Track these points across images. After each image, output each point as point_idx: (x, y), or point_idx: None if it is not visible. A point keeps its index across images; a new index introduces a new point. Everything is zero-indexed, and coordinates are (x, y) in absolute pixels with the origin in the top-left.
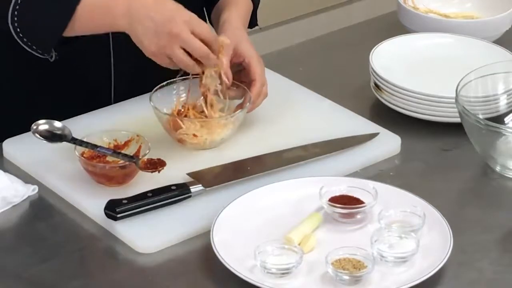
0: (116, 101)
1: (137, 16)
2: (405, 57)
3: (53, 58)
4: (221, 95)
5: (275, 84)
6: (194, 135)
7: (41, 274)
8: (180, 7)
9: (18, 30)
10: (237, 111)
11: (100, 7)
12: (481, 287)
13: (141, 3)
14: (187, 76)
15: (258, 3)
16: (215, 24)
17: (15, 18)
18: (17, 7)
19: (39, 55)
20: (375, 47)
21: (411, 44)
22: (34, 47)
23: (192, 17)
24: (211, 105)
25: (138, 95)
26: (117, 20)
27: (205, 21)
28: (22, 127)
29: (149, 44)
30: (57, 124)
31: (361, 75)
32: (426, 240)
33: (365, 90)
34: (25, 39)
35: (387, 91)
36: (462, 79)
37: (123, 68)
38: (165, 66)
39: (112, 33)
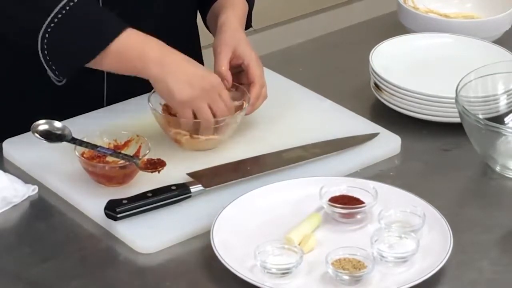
0: (108, 104)
1: (170, 66)
2: (405, 57)
3: (62, 83)
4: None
5: (275, 84)
6: (191, 136)
7: (41, 274)
8: (211, 71)
9: (45, 47)
10: (236, 113)
11: (133, 49)
12: (481, 287)
13: (176, 57)
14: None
15: (253, 5)
16: (212, 26)
17: (47, 35)
18: (52, 24)
19: (53, 76)
20: (375, 47)
21: (411, 44)
22: (53, 67)
23: (220, 82)
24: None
25: (131, 97)
26: (149, 66)
27: (196, 25)
28: (22, 127)
29: (179, 94)
30: (57, 124)
31: (361, 75)
32: (426, 240)
33: (365, 90)
34: (48, 57)
35: (387, 91)
36: (462, 79)
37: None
38: (182, 117)
39: None
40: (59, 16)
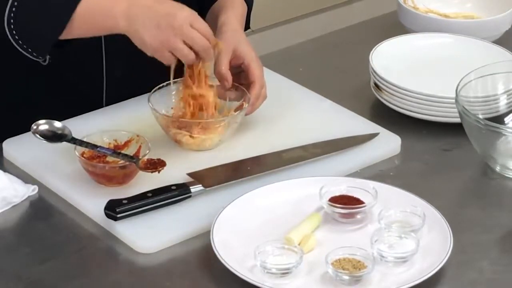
0: (107, 104)
1: (138, 15)
2: (405, 57)
3: (47, 62)
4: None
5: (275, 84)
6: (191, 136)
7: (41, 274)
8: (179, 4)
9: (14, 32)
10: (235, 113)
11: (99, 9)
12: (481, 287)
13: (140, 3)
14: (182, 78)
15: (252, 7)
16: (212, 26)
17: (11, 21)
18: (14, 9)
19: (33, 58)
20: (375, 47)
21: (411, 44)
22: (29, 49)
23: (192, 12)
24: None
25: (130, 98)
26: (117, 21)
27: None
28: (22, 127)
29: (150, 40)
30: (57, 124)
31: (361, 75)
32: (426, 240)
33: (365, 90)
34: (20, 42)
35: (387, 91)
36: (462, 79)
37: (115, 71)
38: (166, 63)
39: (105, 36)
40: None
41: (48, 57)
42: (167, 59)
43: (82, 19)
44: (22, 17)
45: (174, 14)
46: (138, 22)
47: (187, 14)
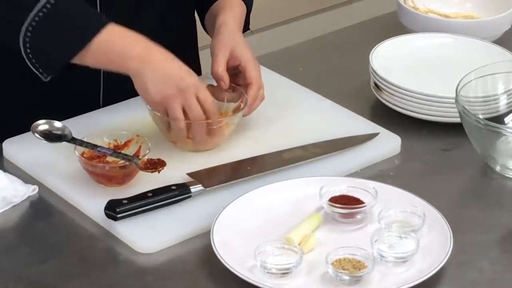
0: (104, 105)
1: (151, 64)
2: (405, 57)
3: (47, 79)
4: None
5: (275, 84)
6: (188, 137)
7: (41, 274)
8: (192, 72)
9: (28, 45)
10: (233, 114)
11: (115, 46)
12: (481, 287)
13: (158, 54)
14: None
15: (251, 8)
16: (210, 27)
17: (28, 34)
18: (33, 23)
19: (38, 74)
20: (375, 47)
21: (411, 44)
22: (37, 65)
23: (201, 84)
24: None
25: (127, 98)
26: (129, 61)
27: (195, 24)
28: (22, 127)
29: (154, 92)
30: (57, 124)
31: (361, 75)
32: (426, 240)
33: (365, 90)
34: (30, 56)
35: (387, 91)
36: (462, 79)
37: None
38: (155, 114)
39: None
40: (41, 14)
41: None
42: (161, 111)
43: (97, 49)
44: (39, 35)
45: (184, 79)
46: (149, 69)
47: (196, 83)
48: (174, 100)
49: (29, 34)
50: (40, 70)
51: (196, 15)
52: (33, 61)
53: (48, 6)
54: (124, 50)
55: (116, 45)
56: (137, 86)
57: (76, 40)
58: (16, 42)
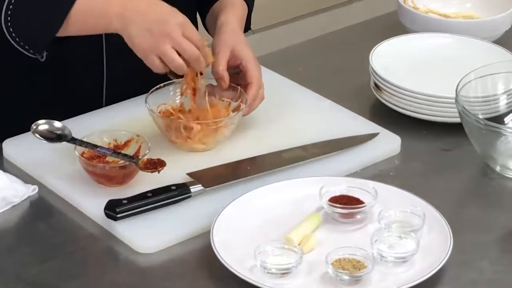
0: (107, 104)
1: (131, 17)
2: (405, 57)
3: (44, 58)
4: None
5: (275, 84)
6: (188, 137)
7: (41, 274)
8: (174, 10)
9: (11, 29)
10: (232, 114)
11: (95, 9)
12: (481, 287)
13: (135, 6)
14: (180, 79)
15: (252, 8)
16: (211, 27)
17: (8, 18)
18: (11, 6)
19: (30, 55)
20: (375, 47)
21: (411, 44)
22: (26, 47)
23: (185, 20)
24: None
25: (130, 98)
26: (111, 22)
27: (197, 24)
28: (22, 127)
29: (140, 43)
30: (57, 124)
31: (361, 75)
32: (426, 240)
33: (365, 90)
34: (17, 39)
35: (387, 91)
36: (462, 79)
37: (115, 72)
38: (155, 70)
39: (106, 35)
40: None
41: (45, 53)
42: (156, 65)
43: (77, 18)
44: (19, 15)
45: (166, 20)
46: (131, 25)
47: (180, 21)
48: (164, 45)
49: (9, 13)
50: (27, 48)
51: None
52: (17, 39)
53: None
54: (103, 10)
55: (94, 9)
56: (127, 41)
57: (55, 12)
58: (2, 31)
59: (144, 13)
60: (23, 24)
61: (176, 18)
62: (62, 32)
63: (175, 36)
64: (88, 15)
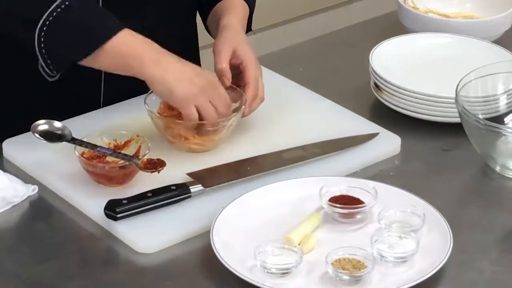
0: (106, 105)
1: (167, 66)
2: (405, 57)
3: (54, 79)
4: None
5: (275, 84)
6: (186, 138)
7: (41, 274)
8: (204, 69)
9: (42, 40)
10: (232, 115)
11: (130, 48)
12: (481, 287)
13: (170, 58)
14: None
15: (253, 9)
16: (213, 28)
17: (44, 28)
18: (51, 18)
19: (46, 70)
20: (375, 47)
21: (411, 44)
22: (49, 61)
23: (216, 77)
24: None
25: (128, 98)
26: (144, 64)
27: (195, 27)
28: (22, 127)
29: (182, 90)
30: (57, 124)
31: (361, 75)
32: (426, 240)
33: (365, 90)
34: (44, 50)
35: (387, 91)
36: (462, 79)
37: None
38: (190, 119)
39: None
40: (59, 10)
41: (58, 75)
42: (192, 113)
43: (109, 52)
44: (56, 28)
45: (204, 75)
46: (168, 71)
47: (215, 77)
48: (203, 97)
49: (45, 29)
50: (51, 67)
51: (197, 15)
52: (46, 56)
53: (67, 2)
54: (137, 53)
55: (130, 49)
56: (159, 90)
57: (91, 40)
58: (32, 36)
59: (178, 64)
60: (57, 38)
61: (209, 73)
62: (90, 63)
63: (212, 90)
64: (122, 52)
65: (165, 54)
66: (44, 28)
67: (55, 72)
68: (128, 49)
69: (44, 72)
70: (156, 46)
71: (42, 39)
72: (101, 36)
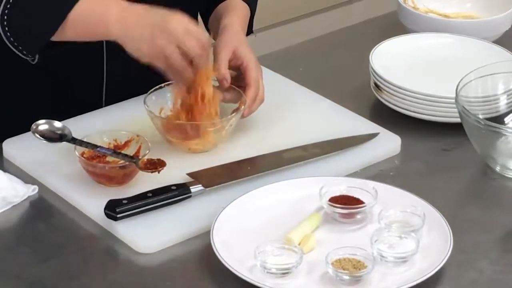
0: (107, 104)
1: (131, 24)
2: (405, 57)
3: (35, 61)
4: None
5: (275, 84)
6: (186, 138)
7: (41, 274)
8: (172, 11)
9: (7, 29)
10: (231, 115)
11: (92, 15)
12: (481, 287)
13: (132, 11)
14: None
15: (255, 11)
16: (214, 29)
17: (5, 17)
18: (8, 5)
19: (23, 56)
20: (375, 47)
21: (411, 44)
22: (20, 48)
23: (185, 18)
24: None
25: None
26: (109, 29)
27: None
28: (22, 127)
29: (147, 49)
30: (57, 124)
31: (361, 75)
32: (426, 240)
33: (365, 90)
34: (12, 39)
35: (387, 91)
36: (462, 79)
37: (115, 72)
38: (163, 71)
39: None
40: None
41: (37, 56)
42: (164, 67)
43: (74, 23)
44: (16, 15)
45: (168, 21)
46: (132, 31)
47: (181, 19)
48: (170, 46)
49: (7, 11)
50: (20, 49)
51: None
52: (15, 43)
53: None
54: (101, 17)
55: (93, 13)
56: (128, 49)
57: (54, 14)
58: None
59: (142, 16)
60: (19, 25)
61: (177, 17)
62: (59, 37)
63: (180, 36)
64: (85, 20)
65: (128, 8)
66: (5, 17)
67: (31, 56)
68: (92, 13)
69: (22, 55)
70: (119, 2)
71: (6, 28)
72: (64, 6)
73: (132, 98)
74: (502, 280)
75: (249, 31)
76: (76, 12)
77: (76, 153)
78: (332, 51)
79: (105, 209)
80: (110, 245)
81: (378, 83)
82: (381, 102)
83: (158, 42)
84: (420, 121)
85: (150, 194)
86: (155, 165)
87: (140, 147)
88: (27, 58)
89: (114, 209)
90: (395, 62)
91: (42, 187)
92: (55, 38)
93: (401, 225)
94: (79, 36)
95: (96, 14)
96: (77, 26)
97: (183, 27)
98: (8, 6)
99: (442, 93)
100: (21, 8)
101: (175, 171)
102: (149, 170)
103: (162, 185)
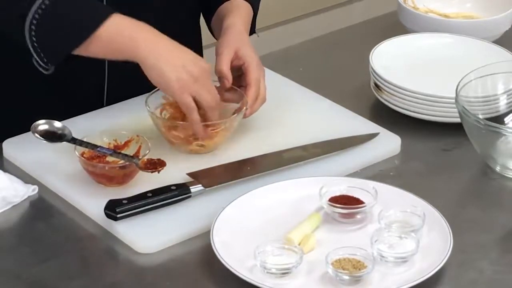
0: (107, 105)
1: (161, 50)
2: (405, 57)
3: (49, 72)
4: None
5: (275, 84)
6: (187, 139)
7: (41, 274)
8: (198, 56)
9: (33, 33)
10: (231, 116)
11: (123, 32)
12: (481, 287)
13: (164, 40)
14: None
15: (257, 11)
16: (217, 29)
17: (34, 21)
18: (40, 11)
19: (40, 65)
20: (375, 47)
21: (411, 44)
22: (42, 54)
23: (209, 67)
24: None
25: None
26: (138, 46)
27: (199, 23)
28: (22, 127)
29: (176, 78)
30: (57, 124)
31: (361, 75)
32: (426, 240)
33: (365, 90)
34: (36, 44)
35: (387, 91)
36: (462, 79)
37: (116, 72)
38: (185, 107)
39: None
40: (47, 1)
41: (53, 68)
42: (187, 102)
43: (102, 39)
44: (46, 22)
45: (198, 62)
46: (162, 55)
47: (209, 67)
48: (197, 84)
49: (35, 22)
50: (45, 60)
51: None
52: (39, 50)
53: None
54: (130, 37)
55: (123, 33)
56: (153, 77)
57: (81, 29)
58: (22, 30)
59: (173, 48)
60: (47, 32)
61: (204, 61)
62: (84, 50)
63: (205, 80)
64: (115, 37)
65: (159, 36)
66: (34, 21)
67: (49, 65)
68: (121, 33)
69: (38, 65)
70: (148, 27)
71: (33, 33)
72: (92, 23)
73: (133, 98)
74: (502, 280)
75: (252, 31)
76: (104, 29)
77: (76, 153)
78: (332, 51)
79: (105, 209)
80: (110, 245)
81: (378, 83)
82: (381, 102)
83: (187, 77)
84: (420, 121)
85: (150, 194)
86: (155, 165)
87: (140, 147)
88: (42, 69)
89: (114, 209)
90: (395, 62)
91: (42, 187)
92: (80, 52)
93: (401, 225)
94: (104, 53)
95: (125, 34)
96: (103, 43)
97: (206, 74)
98: (40, 10)
99: (442, 93)
100: (53, 14)
101: (175, 171)
102: (149, 170)
103: (162, 185)
